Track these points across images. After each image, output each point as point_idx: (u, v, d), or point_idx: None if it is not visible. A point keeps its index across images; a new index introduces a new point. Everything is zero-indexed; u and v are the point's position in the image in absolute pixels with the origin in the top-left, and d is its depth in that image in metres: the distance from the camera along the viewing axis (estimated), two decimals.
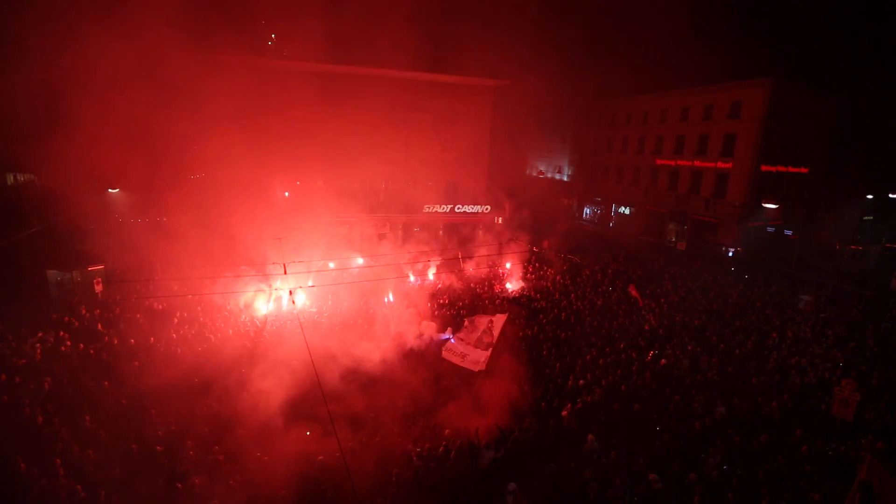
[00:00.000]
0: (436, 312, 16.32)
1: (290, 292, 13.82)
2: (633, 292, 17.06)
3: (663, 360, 12.71)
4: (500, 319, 13.12)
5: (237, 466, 8.70)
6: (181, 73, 16.90)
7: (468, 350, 12.58)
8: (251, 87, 23.20)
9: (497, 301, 17.80)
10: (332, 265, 17.18)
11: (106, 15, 14.59)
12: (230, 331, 14.32)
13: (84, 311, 14.41)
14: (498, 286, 19.89)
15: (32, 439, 8.83)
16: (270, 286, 16.34)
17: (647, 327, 15.08)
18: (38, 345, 12.16)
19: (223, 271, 16.66)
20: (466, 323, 13.87)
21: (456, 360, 12.48)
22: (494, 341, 12.46)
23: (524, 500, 7.64)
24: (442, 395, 11.38)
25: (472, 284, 19.28)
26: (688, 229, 31.78)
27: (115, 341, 12.81)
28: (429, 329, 14.49)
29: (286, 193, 25.19)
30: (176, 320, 14.38)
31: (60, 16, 14.26)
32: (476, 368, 11.95)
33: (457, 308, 16.79)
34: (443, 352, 13.02)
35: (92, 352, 12.26)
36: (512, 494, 7.74)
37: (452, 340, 13.70)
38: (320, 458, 8.85)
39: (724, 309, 17.13)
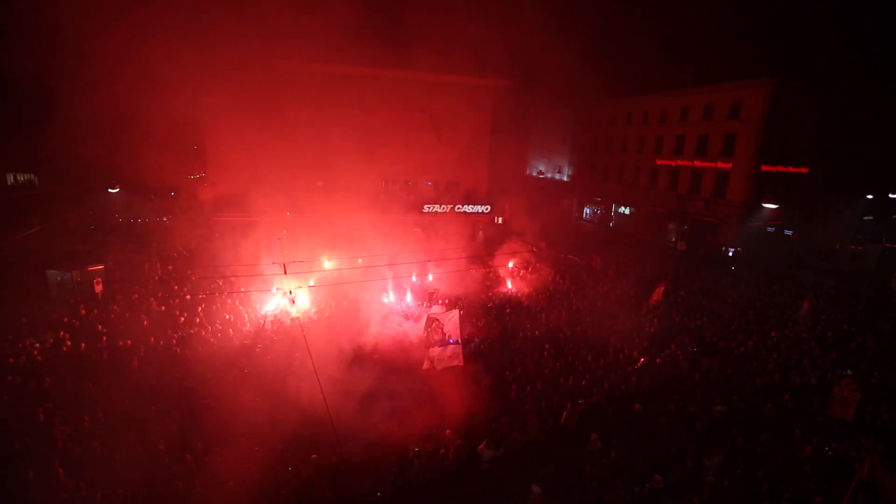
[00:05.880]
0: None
1: (290, 292, 13.81)
2: (660, 290, 16.97)
3: (659, 359, 12.72)
4: (454, 315, 12.60)
5: (236, 466, 8.68)
6: (181, 73, 16.90)
7: (437, 351, 12.16)
8: (251, 87, 23.23)
9: (496, 302, 17.80)
10: (329, 264, 17.19)
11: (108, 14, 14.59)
12: (230, 330, 14.31)
13: (84, 311, 14.40)
14: (498, 286, 19.89)
15: (32, 439, 8.83)
16: (271, 287, 16.34)
17: (650, 329, 15.06)
18: (37, 345, 12.16)
19: (223, 272, 16.66)
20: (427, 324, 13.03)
21: (430, 365, 11.99)
22: (459, 338, 12.22)
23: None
24: (440, 395, 11.37)
25: (471, 285, 19.26)
26: (688, 229, 31.77)
27: (119, 342, 12.79)
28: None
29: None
30: (182, 320, 14.38)
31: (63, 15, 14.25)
32: (457, 363, 11.88)
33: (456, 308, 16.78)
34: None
35: (92, 352, 12.26)
36: (535, 495, 7.75)
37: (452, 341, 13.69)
38: (314, 456, 8.85)
39: (724, 309, 17.13)
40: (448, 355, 11.98)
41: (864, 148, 29.66)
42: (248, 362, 12.41)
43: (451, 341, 12.19)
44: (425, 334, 12.45)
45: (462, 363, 11.86)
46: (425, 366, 12.11)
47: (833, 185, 29.97)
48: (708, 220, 30.27)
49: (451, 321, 12.36)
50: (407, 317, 16.08)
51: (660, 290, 17.11)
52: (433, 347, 12.25)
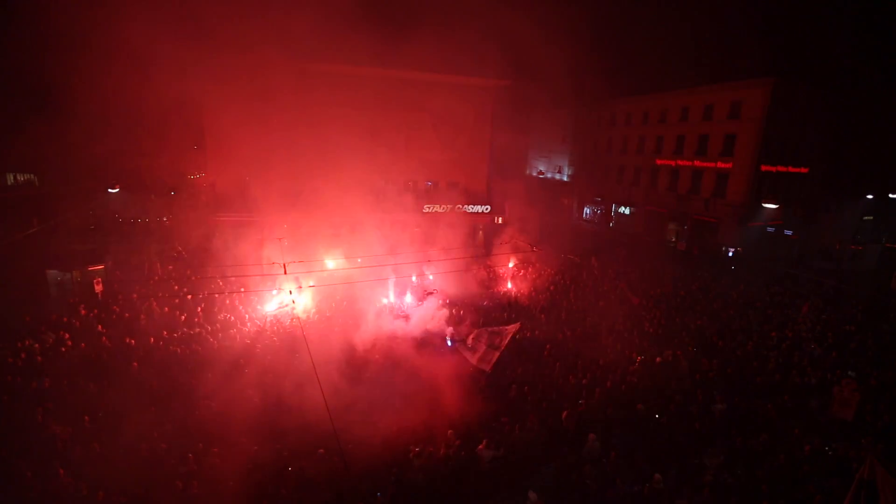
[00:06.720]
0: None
1: (290, 291, 13.82)
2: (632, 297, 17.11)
3: (658, 359, 12.73)
4: (512, 328, 13.13)
5: (236, 466, 8.68)
6: (181, 72, 16.89)
7: (479, 349, 12.63)
8: (251, 87, 23.19)
9: (496, 301, 17.80)
10: (331, 264, 17.19)
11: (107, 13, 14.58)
12: (231, 330, 14.31)
13: (84, 311, 14.40)
14: (498, 286, 19.88)
15: (32, 439, 8.83)
16: (271, 287, 16.33)
17: (650, 329, 15.06)
18: (37, 345, 12.15)
19: (223, 271, 16.66)
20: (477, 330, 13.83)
21: (468, 356, 12.62)
22: (503, 346, 12.43)
23: None
24: (440, 395, 11.37)
25: (471, 285, 19.25)
26: (688, 229, 31.78)
27: (119, 342, 12.78)
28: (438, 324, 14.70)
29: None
30: (182, 320, 14.37)
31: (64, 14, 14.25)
32: (485, 367, 12.02)
33: (456, 308, 16.79)
34: (458, 347, 13.29)
35: (92, 352, 12.25)
36: (531, 502, 7.75)
37: (449, 343, 13.76)
38: (321, 450, 8.86)
39: (724, 309, 17.12)
40: (489, 359, 12.12)
41: (864, 148, 29.66)
42: (248, 362, 12.41)
43: (498, 348, 12.40)
44: (484, 344, 12.78)
45: (489, 369, 11.94)
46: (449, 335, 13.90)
47: (833, 185, 29.98)
48: (708, 220, 30.27)
49: (512, 331, 12.71)
50: (399, 316, 16.08)
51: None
52: (476, 343, 12.72)
